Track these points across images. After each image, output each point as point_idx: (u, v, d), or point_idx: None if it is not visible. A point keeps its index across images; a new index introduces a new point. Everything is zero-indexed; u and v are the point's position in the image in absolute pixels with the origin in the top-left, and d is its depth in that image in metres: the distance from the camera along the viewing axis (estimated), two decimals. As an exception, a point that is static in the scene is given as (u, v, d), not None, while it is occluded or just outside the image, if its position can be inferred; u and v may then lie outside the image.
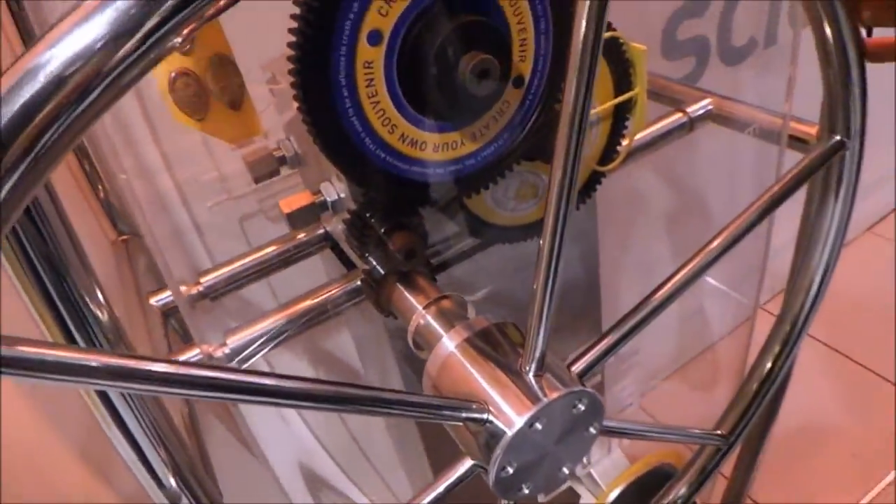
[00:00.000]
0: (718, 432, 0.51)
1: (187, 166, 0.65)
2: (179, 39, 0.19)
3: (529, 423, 0.33)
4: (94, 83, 0.18)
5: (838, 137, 0.44)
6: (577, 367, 0.37)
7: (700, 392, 1.39)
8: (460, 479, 0.35)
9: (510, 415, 0.32)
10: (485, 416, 0.33)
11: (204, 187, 0.66)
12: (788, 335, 0.53)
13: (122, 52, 0.18)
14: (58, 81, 0.18)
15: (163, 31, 0.19)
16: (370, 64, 0.35)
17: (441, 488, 0.34)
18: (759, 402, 0.50)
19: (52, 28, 0.18)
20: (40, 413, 0.61)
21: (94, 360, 0.21)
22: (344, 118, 0.36)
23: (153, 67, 0.19)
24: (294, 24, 0.34)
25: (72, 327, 0.29)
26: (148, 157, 0.65)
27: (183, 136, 0.65)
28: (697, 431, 0.49)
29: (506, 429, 0.32)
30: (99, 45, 0.18)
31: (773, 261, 0.98)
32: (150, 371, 0.22)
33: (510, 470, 0.34)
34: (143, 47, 0.19)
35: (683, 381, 1.43)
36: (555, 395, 0.33)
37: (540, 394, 0.33)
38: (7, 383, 0.56)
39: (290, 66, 0.34)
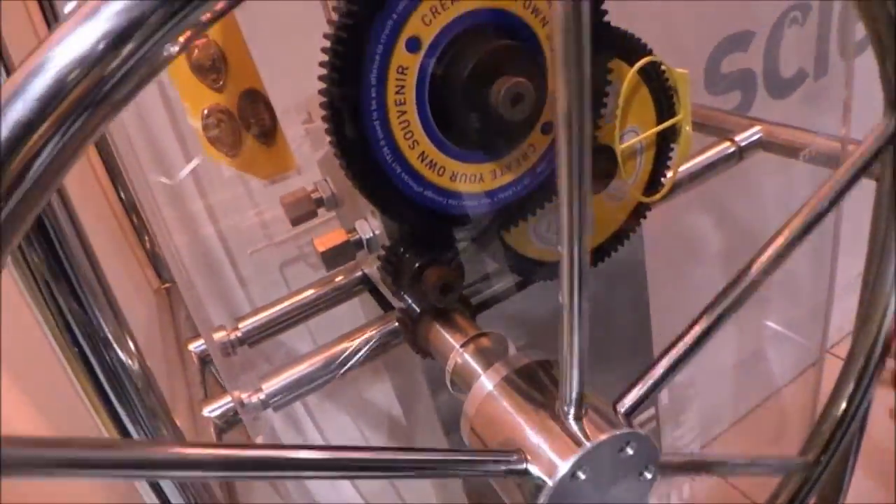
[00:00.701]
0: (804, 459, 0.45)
1: (229, 214, 0.66)
2: (176, 48, 0.18)
3: (571, 473, 0.30)
4: (89, 98, 0.17)
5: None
6: (624, 405, 0.34)
7: (765, 443, 1.31)
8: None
9: (550, 463, 0.30)
10: (524, 466, 0.30)
11: (244, 234, 0.66)
12: (864, 368, 0.49)
13: (114, 64, 0.17)
14: (49, 97, 0.17)
15: (155, 39, 0.18)
16: (401, 85, 0.35)
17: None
18: (831, 452, 0.46)
19: (43, 42, 0.18)
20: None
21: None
22: (374, 146, 0.35)
23: (150, 80, 0.18)
24: (325, 55, 0.34)
25: (100, 376, 0.28)
26: (192, 206, 0.66)
27: (226, 185, 0.66)
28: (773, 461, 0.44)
29: (547, 479, 0.30)
30: (91, 57, 0.17)
31: (836, 303, 0.92)
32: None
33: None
34: (136, 57, 0.18)
35: (746, 431, 1.34)
36: (600, 437, 0.30)
37: (581, 438, 0.30)
38: (35, 417, 0.55)
39: (322, 97, 0.34)
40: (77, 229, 0.27)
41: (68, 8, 0.24)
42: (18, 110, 0.17)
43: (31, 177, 0.17)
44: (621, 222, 0.52)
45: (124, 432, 0.29)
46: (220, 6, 0.19)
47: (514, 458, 0.31)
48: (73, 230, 0.27)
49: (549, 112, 0.38)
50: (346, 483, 0.88)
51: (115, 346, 0.28)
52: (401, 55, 0.34)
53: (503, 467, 0.31)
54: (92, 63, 0.18)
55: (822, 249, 1.14)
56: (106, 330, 0.28)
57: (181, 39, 0.19)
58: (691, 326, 0.35)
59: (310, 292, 0.58)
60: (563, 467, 0.30)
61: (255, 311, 0.56)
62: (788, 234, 0.37)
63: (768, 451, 1.30)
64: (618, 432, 0.31)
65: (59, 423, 0.54)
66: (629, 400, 0.34)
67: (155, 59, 0.18)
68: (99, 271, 0.28)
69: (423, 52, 0.35)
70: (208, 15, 0.19)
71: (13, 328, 0.37)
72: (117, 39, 0.18)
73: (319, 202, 0.51)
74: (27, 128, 0.17)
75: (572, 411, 0.31)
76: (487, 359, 0.38)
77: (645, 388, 0.34)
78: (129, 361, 0.29)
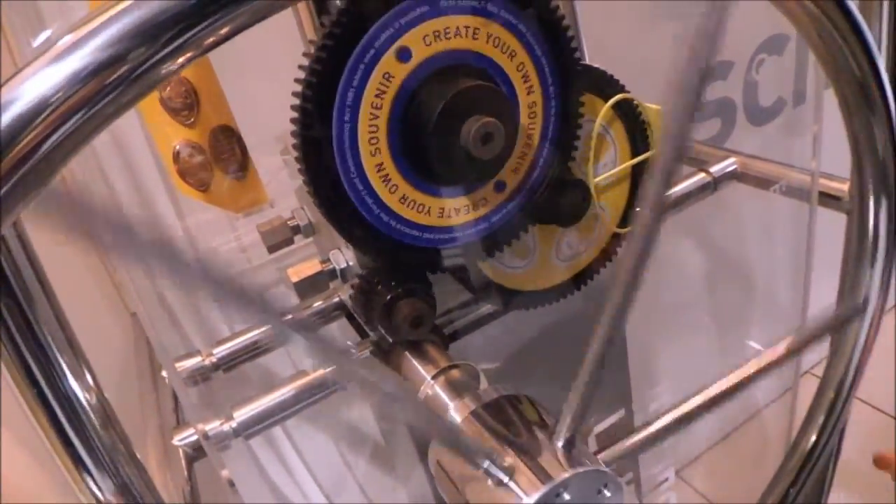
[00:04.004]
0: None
1: (208, 238, 0.66)
2: (175, 67, 0.19)
3: (556, 493, 0.30)
4: (95, 100, 0.18)
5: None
6: (604, 457, 0.34)
7: (746, 464, 1.31)
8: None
9: (533, 480, 0.30)
10: (507, 477, 0.30)
11: (223, 257, 0.66)
12: (834, 402, 0.49)
13: (118, 74, 0.18)
14: (44, 104, 0.18)
15: (158, 56, 0.19)
16: (374, 125, 0.35)
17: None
18: (800, 485, 0.46)
19: (46, 49, 0.19)
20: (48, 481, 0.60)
21: None
22: (346, 180, 0.35)
23: (149, 93, 0.19)
24: (298, 92, 0.34)
25: (57, 411, 0.28)
26: (171, 229, 0.65)
27: (205, 209, 0.66)
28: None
29: (524, 496, 0.30)
30: (94, 66, 0.18)
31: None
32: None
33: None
34: (140, 70, 0.18)
35: (727, 451, 1.35)
36: (584, 468, 0.30)
37: (567, 465, 0.31)
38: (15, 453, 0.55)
39: (293, 127, 0.34)
40: (32, 261, 0.27)
41: (38, 41, 0.25)
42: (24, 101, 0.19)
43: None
44: (600, 249, 0.52)
45: (83, 467, 0.29)
46: (224, 31, 0.20)
47: (507, 462, 0.31)
48: (27, 262, 0.27)
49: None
50: (310, 482, 0.87)
51: (71, 380, 0.28)
52: (375, 92, 0.35)
53: (486, 464, 0.31)
54: (96, 72, 0.19)
55: (799, 273, 1.16)
56: (63, 364, 0.28)
57: (181, 60, 0.20)
58: (682, 404, 0.36)
59: (287, 318, 0.58)
60: (547, 486, 0.30)
61: (232, 336, 0.56)
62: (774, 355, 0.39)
63: (747, 473, 1.31)
64: (604, 469, 0.31)
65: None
66: (608, 454, 0.35)
67: (157, 75, 0.19)
68: (54, 303, 0.28)
69: (396, 90, 0.35)
70: (212, 39, 0.20)
71: None
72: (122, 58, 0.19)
73: (296, 230, 0.51)
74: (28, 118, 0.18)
75: (562, 441, 0.32)
76: (457, 392, 0.38)
77: (627, 449, 0.35)
78: (87, 395, 0.29)
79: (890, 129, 0.35)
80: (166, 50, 0.19)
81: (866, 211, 0.40)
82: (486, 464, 0.31)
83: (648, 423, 0.35)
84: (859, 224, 0.43)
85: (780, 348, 0.40)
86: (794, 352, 0.40)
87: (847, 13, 0.32)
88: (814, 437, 0.47)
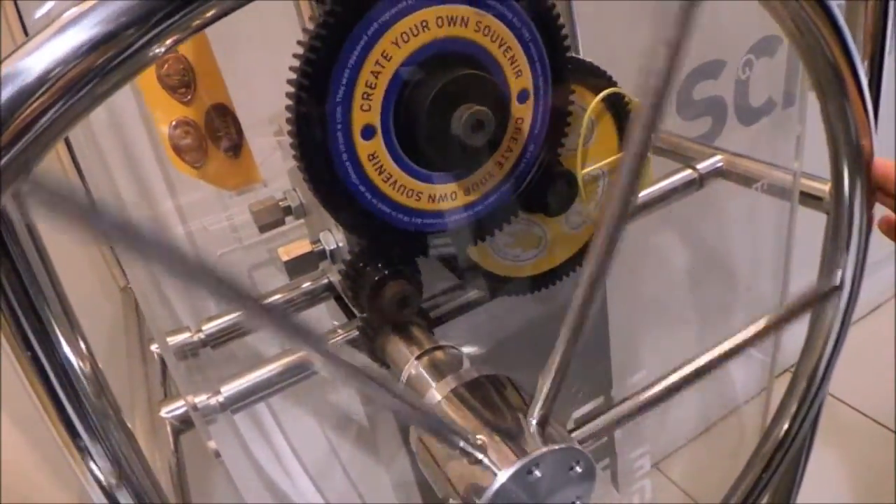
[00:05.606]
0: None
1: (199, 216, 0.66)
2: (162, 49, 0.19)
3: (528, 470, 0.31)
4: (79, 84, 0.19)
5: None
6: (578, 435, 0.36)
7: (724, 457, 1.34)
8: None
9: (507, 457, 0.31)
10: (481, 454, 0.32)
11: (214, 236, 0.67)
12: (806, 392, 0.51)
13: (105, 57, 0.19)
14: (41, 81, 0.18)
15: (146, 38, 0.19)
16: (367, 108, 0.36)
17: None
18: (772, 470, 0.48)
19: (45, 28, 0.19)
20: (40, 458, 0.61)
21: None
22: (338, 161, 0.36)
23: (136, 75, 0.20)
24: (294, 72, 0.35)
25: (52, 378, 0.28)
26: (162, 206, 0.66)
27: (197, 187, 0.66)
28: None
29: (498, 470, 0.31)
30: (84, 48, 0.19)
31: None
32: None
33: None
34: (128, 52, 0.19)
35: (706, 445, 1.37)
36: (557, 445, 0.32)
37: (540, 442, 0.32)
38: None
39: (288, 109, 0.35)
40: (31, 230, 0.28)
41: (39, 13, 0.25)
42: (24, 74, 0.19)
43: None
44: (584, 242, 0.53)
45: (74, 434, 0.29)
46: (211, 13, 0.21)
47: (478, 439, 0.32)
48: (26, 231, 0.27)
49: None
50: (307, 484, 0.89)
51: (66, 348, 0.29)
52: (369, 76, 0.36)
53: (461, 443, 0.32)
54: (84, 55, 0.19)
55: (779, 270, 1.18)
56: (58, 332, 0.28)
57: (168, 42, 0.20)
58: (657, 381, 0.37)
59: (276, 297, 0.59)
60: (519, 462, 0.31)
61: (220, 314, 0.57)
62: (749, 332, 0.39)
63: (726, 466, 1.33)
64: (575, 445, 0.33)
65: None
66: (583, 432, 0.36)
67: (145, 58, 0.20)
68: (52, 272, 0.28)
69: (390, 75, 0.36)
70: (198, 22, 0.21)
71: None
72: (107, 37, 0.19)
73: (288, 210, 0.52)
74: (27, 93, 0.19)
75: (536, 419, 0.33)
76: (440, 372, 0.39)
77: (602, 424, 0.36)
78: (81, 364, 0.29)
79: (864, 114, 0.36)
80: (157, 30, 0.20)
81: (841, 198, 0.41)
82: (462, 443, 0.32)
83: (624, 399, 0.37)
84: (836, 209, 0.44)
85: (760, 324, 0.41)
86: (774, 327, 0.41)
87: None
88: (786, 426, 0.48)
